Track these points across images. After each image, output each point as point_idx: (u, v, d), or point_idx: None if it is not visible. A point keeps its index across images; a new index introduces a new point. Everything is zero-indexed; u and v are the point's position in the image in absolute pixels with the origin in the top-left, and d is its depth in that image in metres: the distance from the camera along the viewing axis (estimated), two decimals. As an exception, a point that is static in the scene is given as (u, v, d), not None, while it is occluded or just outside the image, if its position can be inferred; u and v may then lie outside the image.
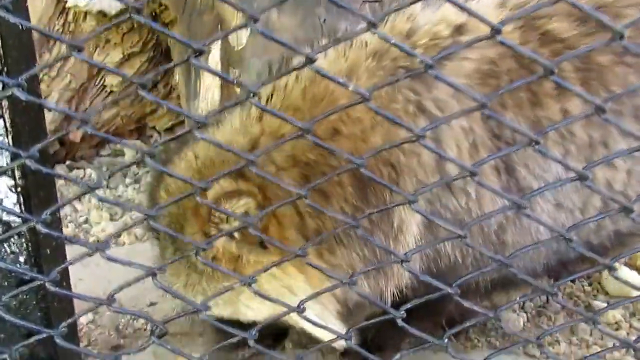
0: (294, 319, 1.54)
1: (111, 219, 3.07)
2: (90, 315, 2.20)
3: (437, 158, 1.72)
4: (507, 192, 1.77)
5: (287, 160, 1.69)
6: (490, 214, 1.60)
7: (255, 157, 1.30)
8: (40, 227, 1.23)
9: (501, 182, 1.78)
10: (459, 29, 1.76)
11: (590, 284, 2.73)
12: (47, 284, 1.28)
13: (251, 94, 1.19)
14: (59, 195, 3.32)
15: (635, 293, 2.63)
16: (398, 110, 1.69)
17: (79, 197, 1.27)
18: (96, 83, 3.59)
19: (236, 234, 1.65)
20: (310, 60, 1.18)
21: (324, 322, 1.61)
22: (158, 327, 1.39)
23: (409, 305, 1.49)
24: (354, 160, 1.34)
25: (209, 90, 3.07)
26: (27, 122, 1.25)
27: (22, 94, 1.07)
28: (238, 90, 3.08)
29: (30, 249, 1.33)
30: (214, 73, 1.29)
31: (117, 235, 1.35)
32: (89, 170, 3.54)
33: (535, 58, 1.14)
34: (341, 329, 1.65)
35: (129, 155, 3.69)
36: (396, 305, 1.53)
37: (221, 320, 1.73)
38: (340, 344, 1.61)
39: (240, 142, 1.68)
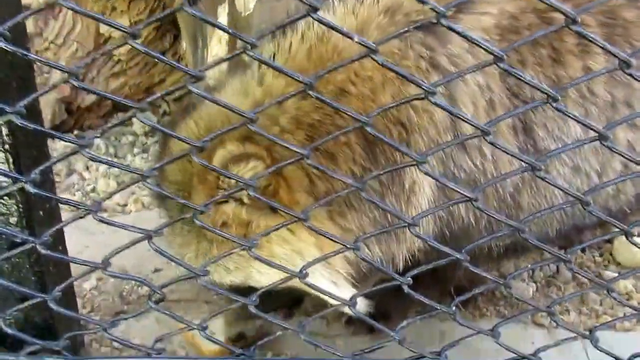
0: (303, 285, 1.49)
1: (117, 186, 3.03)
2: (93, 281, 2.18)
3: (452, 116, 1.63)
4: (524, 153, 1.70)
5: (291, 122, 1.62)
6: (506, 175, 1.52)
7: (254, 114, 1.24)
8: (29, 187, 1.18)
9: (518, 143, 1.70)
10: None
11: (601, 255, 2.66)
12: (38, 247, 1.24)
13: (249, 46, 1.13)
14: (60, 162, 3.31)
15: (647, 263, 2.59)
16: (410, 67, 1.62)
17: (69, 156, 1.22)
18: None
19: (246, 199, 1.60)
20: (313, 9, 1.11)
21: (336, 286, 1.56)
22: (156, 293, 1.34)
23: (415, 272, 1.44)
24: (360, 119, 1.27)
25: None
26: (15, 77, 1.19)
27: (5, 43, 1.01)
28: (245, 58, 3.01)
29: (21, 210, 1.29)
30: (222, 29, 1.22)
31: (109, 197, 1.30)
32: (96, 140, 3.50)
33: (557, 6, 1.07)
34: (350, 293, 1.60)
35: (137, 124, 3.64)
36: (408, 270, 1.49)
37: (234, 288, 1.71)
38: (349, 309, 1.56)
39: (242, 106, 1.62)
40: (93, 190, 3.04)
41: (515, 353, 1.56)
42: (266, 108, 1.30)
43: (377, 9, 1.67)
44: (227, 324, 1.92)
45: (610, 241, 2.67)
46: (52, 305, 1.30)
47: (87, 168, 3.21)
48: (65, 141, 1.19)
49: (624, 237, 2.68)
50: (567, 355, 1.86)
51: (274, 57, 1.66)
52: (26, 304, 1.34)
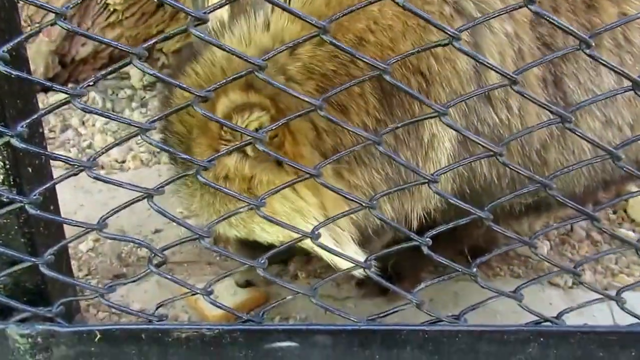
0: (310, 245, 1.40)
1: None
2: (90, 243, 2.09)
3: (476, 65, 1.53)
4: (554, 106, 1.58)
5: (301, 71, 1.50)
6: (534, 128, 1.41)
7: (262, 61, 1.13)
8: (15, 142, 1.07)
9: (547, 96, 1.59)
10: None
11: (614, 212, 2.58)
12: (27, 207, 1.13)
13: None
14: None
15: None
16: (433, 12, 1.50)
17: (59, 107, 1.10)
18: (98, 1, 3.35)
19: (250, 151, 1.50)
20: None
21: (340, 249, 1.47)
22: (156, 255, 1.25)
23: (435, 232, 1.35)
24: (378, 65, 1.16)
25: (217, 9, 2.83)
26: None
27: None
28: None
29: (7, 167, 1.18)
30: None
31: (104, 152, 1.19)
32: (92, 94, 3.36)
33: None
34: (359, 256, 1.51)
35: (135, 78, 3.49)
36: (422, 230, 1.40)
37: (241, 241, 1.65)
38: (359, 272, 1.47)
39: (247, 52, 1.49)
40: (89, 146, 2.92)
41: (538, 316, 1.49)
42: (275, 54, 1.18)
43: None
44: (241, 273, 1.85)
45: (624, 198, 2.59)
46: (44, 270, 1.21)
47: (83, 123, 3.07)
48: (56, 90, 1.08)
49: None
50: (585, 315, 1.78)
51: (289, 1, 1.52)
52: (15, 268, 1.24)
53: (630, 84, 1.23)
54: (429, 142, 1.56)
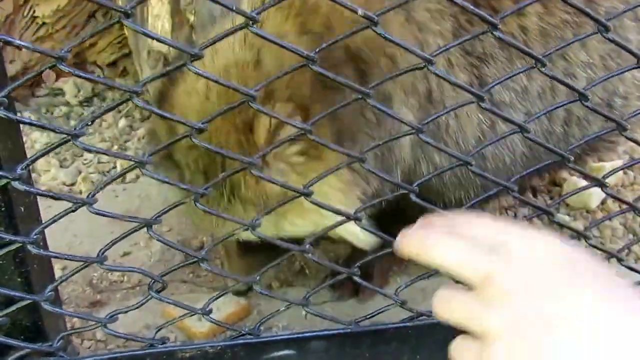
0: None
1: (61, 166, 2.84)
2: (58, 271, 2.05)
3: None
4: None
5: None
6: (454, 107, 1.55)
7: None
8: (17, 185, 1.08)
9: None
10: None
11: (551, 198, 2.79)
12: (28, 247, 1.14)
13: (250, 21, 1.07)
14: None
15: (594, 204, 2.76)
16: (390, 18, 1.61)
17: (58, 147, 1.12)
18: (25, 14, 3.22)
19: (297, 158, 1.52)
20: None
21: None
22: (157, 282, 1.28)
23: (421, 181, 1.40)
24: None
25: (158, 19, 2.82)
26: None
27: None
28: (190, 17, 2.84)
29: (3, 208, 1.18)
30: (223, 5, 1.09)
31: (100, 189, 1.21)
32: (26, 114, 3.24)
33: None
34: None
35: (69, 94, 3.39)
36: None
37: (249, 244, 1.61)
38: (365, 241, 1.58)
39: (245, 59, 1.55)
40: (33, 170, 2.82)
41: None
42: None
43: None
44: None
45: (560, 185, 2.82)
46: (46, 306, 1.22)
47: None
48: (55, 131, 1.09)
49: (572, 180, 2.84)
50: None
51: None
52: (14, 307, 1.24)
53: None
54: (391, 127, 1.66)
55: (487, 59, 1.77)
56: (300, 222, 1.58)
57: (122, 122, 3.10)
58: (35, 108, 3.35)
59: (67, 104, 3.38)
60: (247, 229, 1.29)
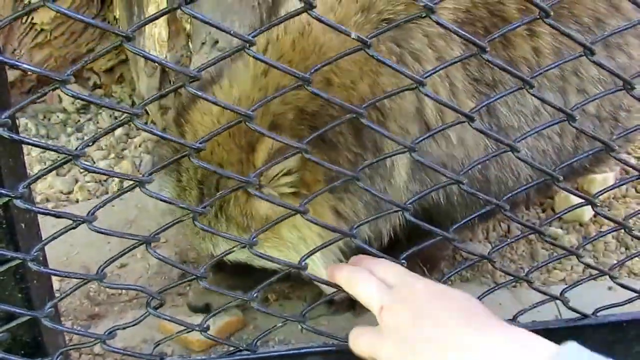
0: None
1: (58, 174, 2.85)
2: (56, 282, 2.06)
3: (418, 105, 1.74)
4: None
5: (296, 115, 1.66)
6: (481, 159, 1.57)
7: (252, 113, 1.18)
8: (19, 203, 1.09)
9: (483, 124, 1.79)
10: None
11: (543, 211, 2.82)
12: (29, 264, 1.16)
13: (247, 44, 1.10)
14: None
15: (587, 217, 2.78)
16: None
17: (60, 167, 1.14)
18: (23, 21, 3.22)
19: (287, 189, 1.62)
20: (309, 6, 1.11)
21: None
22: (154, 298, 1.30)
23: (408, 253, 1.46)
24: (355, 109, 1.27)
25: (155, 27, 2.84)
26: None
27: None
28: (187, 26, 2.86)
29: (4, 226, 1.19)
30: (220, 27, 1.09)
31: (99, 207, 1.23)
32: (23, 120, 3.24)
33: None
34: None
35: (66, 101, 3.40)
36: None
37: (236, 264, 1.71)
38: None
39: (254, 98, 1.63)
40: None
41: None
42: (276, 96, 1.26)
43: (354, 8, 1.73)
44: (195, 293, 1.90)
45: (551, 197, 2.85)
46: (47, 322, 1.23)
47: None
48: (57, 152, 1.10)
49: (564, 193, 2.86)
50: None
51: (266, 50, 1.69)
52: (14, 323, 1.26)
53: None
54: (390, 169, 1.73)
55: (496, 85, 1.80)
56: (275, 254, 1.61)
57: (119, 131, 3.12)
58: (32, 115, 3.36)
59: (64, 111, 3.40)
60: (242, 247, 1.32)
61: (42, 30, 3.31)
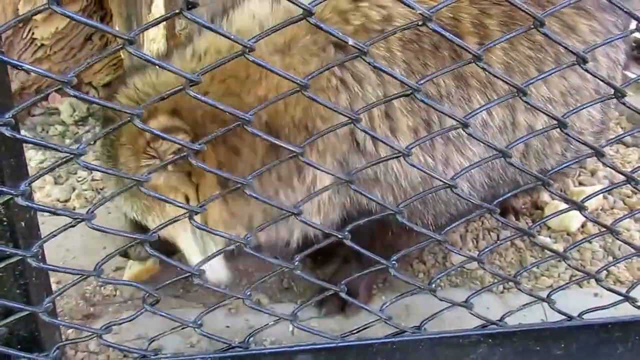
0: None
1: (56, 183, 2.89)
2: (53, 285, 2.09)
3: (350, 126, 1.76)
4: (432, 147, 1.85)
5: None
6: (431, 190, 1.67)
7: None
8: (20, 200, 1.14)
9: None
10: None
11: (533, 220, 2.86)
12: (29, 260, 1.20)
13: (247, 49, 1.15)
14: None
15: (574, 227, 2.83)
16: (322, 86, 1.75)
17: (62, 165, 1.18)
18: (24, 36, 3.29)
19: (170, 166, 1.71)
20: (309, 13, 1.15)
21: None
22: (151, 295, 1.34)
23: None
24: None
25: (155, 42, 2.91)
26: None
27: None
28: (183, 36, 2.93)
29: (5, 223, 1.23)
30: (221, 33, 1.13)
31: (99, 205, 1.27)
32: (22, 132, 3.28)
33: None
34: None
35: (65, 113, 3.45)
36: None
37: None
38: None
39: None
40: (28, 186, 2.87)
41: (485, 320, 1.71)
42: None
43: (303, 28, 1.76)
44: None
45: (541, 208, 2.90)
46: (45, 317, 1.27)
47: (17, 162, 3.02)
48: (58, 150, 1.15)
49: (553, 204, 2.90)
50: (517, 315, 2.01)
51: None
52: (12, 318, 1.30)
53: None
54: (312, 182, 1.80)
55: (441, 100, 1.80)
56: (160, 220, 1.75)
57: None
58: (31, 127, 3.41)
59: (63, 123, 3.45)
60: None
61: (42, 45, 3.37)
